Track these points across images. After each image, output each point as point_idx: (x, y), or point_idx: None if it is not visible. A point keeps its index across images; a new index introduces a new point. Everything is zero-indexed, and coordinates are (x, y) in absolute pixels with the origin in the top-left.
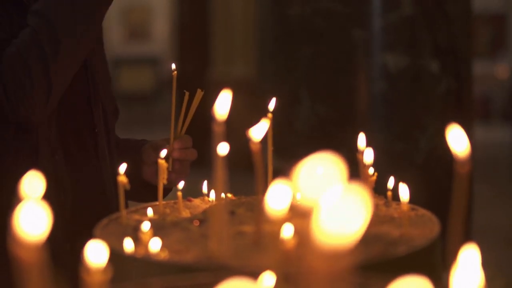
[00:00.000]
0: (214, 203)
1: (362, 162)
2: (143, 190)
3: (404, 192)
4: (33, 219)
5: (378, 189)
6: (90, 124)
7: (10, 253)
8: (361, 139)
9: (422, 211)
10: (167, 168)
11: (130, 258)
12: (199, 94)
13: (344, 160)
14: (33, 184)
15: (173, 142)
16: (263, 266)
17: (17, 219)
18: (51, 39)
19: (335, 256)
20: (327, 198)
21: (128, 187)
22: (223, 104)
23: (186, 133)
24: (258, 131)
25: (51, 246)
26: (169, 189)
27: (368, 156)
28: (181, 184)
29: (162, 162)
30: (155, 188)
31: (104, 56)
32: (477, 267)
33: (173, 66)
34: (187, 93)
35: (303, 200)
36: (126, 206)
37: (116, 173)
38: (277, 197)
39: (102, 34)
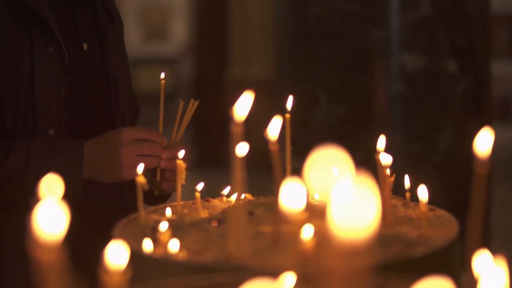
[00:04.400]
0: (232, 203)
1: (380, 163)
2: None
3: (423, 193)
4: (51, 219)
5: (396, 190)
6: (111, 126)
7: (29, 254)
8: (381, 141)
9: (440, 211)
10: (156, 178)
11: (149, 258)
12: (193, 103)
13: (361, 161)
14: (51, 185)
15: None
16: (281, 267)
17: (35, 220)
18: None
19: (353, 256)
20: (337, 194)
21: (146, 187)
22: (243, 106)
23: (202, 134)
24: (274, 129)
25: (70, 246)
26: (166, 196)
27: (384, 158)
28: (200, 185)
29: (180, 162)
30: (150, 193)
31: (124, 55)
32: (497, 269)
33: (162, 75)
34: (181, 102)
35: (321, 200)
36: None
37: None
38: (292, 196)
39: (123, 33)
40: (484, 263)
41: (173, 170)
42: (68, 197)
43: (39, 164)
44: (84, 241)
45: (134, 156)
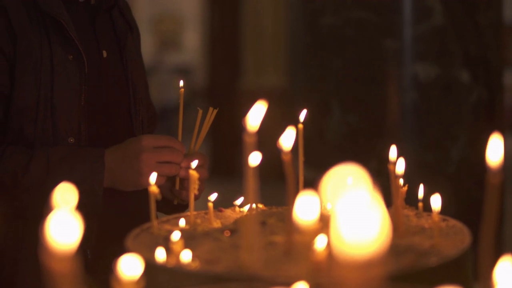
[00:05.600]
0: (245, 213)
1: (393, 173)
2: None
3: (436, 202)
4: (65, 229)
5: (409, 200)
6: (130, 134)
7: (42, 262)
8: (393, 151)
9: (453, 222)
10: (175, 187)
11: (162, 268)
12: (213, 112)
13: (374, 171)
14: (65, 195)
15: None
16: (294, 277)
17: (48, 229)
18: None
19: (366, 266)
20: (343, 207)
21: (159, 197)
22: (255, 116)
23: (214, 144)
24: (287, 139)
25: (87, 255)
26: (186, 205)
27: (399, 167)
28: (212, 195)
29: (193, 172)
30: (169, 202)
31: (141, 63)
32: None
33: (181, 83)
34: (200, 111)
35: (333, 210)
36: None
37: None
38: (306, 208)
39: (140, 42)
40: (503, 272)
41: None
42: (89, 206)
43: (60, 172)
44: (101, 250)
45: (154, 163)
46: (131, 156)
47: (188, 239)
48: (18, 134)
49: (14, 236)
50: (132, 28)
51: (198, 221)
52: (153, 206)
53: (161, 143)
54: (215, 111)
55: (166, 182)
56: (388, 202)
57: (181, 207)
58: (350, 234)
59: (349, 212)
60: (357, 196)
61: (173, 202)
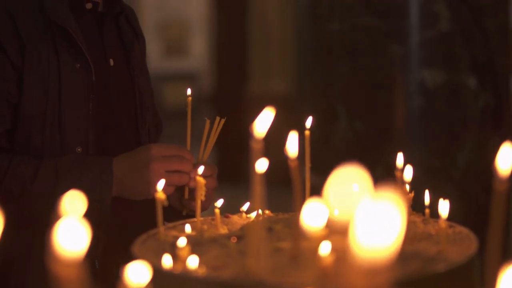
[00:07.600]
0: (252, 219)
1: (400, 179)
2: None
3: (444, 208)
4: (72, 236)
5: (416, 205)
6: (137, 143)
7: (49, 269)
8: (400, 158)
9: (459, 228)
10: (184, 197)
11: (168, 274)
12: (220, 121)
13: (381, 177)
14: (74, 203)
15: (191, 171)
16: (301, 283)
17: (56, 237)
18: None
19: (373, 272)
20: (361, 212)
21: (166, 203)
22: (263, 122)
23: (221, 150)
24: (293, 145)
25: (91, 264)
26: (194, 216)
27: (407, 174)
28: (219, 202)
29: (200, 179)
30: (178, 213)
31: (147, 71)
32: None
33: (189, 91)
34: (208, 121)
35: (340, 216)
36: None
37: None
38: (313, 214)
39: (145, 51)
40: (510, 278)
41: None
42: (97, 214)
43: (68, 182)
44: (109, 259)
45: (163, 172)
46: (140, 165)
47: (195, 245)
48: (26, 143)
49: (23, 244)
50: (138, 36)
51: (205, 227)
52: (159, 212)
53: (170, 152)
54: (223, 120)
55: (175, 192)
56: None
57: (190, 218)
58: (367, 238)
59: (367, 216)
60: (373, 200)
61: (182, 213)
